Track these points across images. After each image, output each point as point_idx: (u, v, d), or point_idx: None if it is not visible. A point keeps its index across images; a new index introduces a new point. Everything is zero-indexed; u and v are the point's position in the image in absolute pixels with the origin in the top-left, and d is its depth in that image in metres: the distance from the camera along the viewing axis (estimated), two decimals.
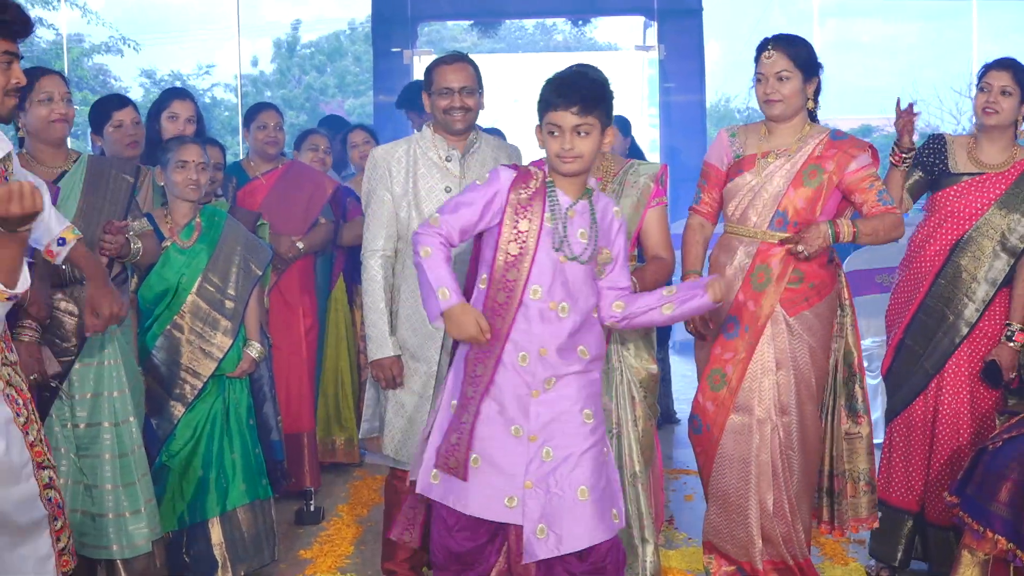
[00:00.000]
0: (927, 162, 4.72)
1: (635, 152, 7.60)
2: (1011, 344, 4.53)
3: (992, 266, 4.56)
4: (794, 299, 4.20)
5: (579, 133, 3.48)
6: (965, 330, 4.60)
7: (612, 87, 3.71)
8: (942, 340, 4.64)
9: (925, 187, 4.75)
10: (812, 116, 4.31)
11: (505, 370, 3.52)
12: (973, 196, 4.60)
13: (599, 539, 3.45)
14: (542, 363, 3.51)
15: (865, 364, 7.11)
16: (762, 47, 4.21)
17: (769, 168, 4.21)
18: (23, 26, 3.15)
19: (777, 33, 4.24)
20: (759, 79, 4.21)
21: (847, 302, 4.36)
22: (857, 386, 4.37)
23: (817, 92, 4.26)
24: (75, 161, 4.25)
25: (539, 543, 3.46)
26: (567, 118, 3.48)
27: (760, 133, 4.30)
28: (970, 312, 4.58)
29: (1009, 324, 4.53)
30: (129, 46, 22.01)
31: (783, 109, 4.20)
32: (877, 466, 4.69)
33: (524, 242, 3.51)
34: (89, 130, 5.11)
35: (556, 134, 3.50)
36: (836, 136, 4.25)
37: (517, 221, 3.53)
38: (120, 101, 5.01)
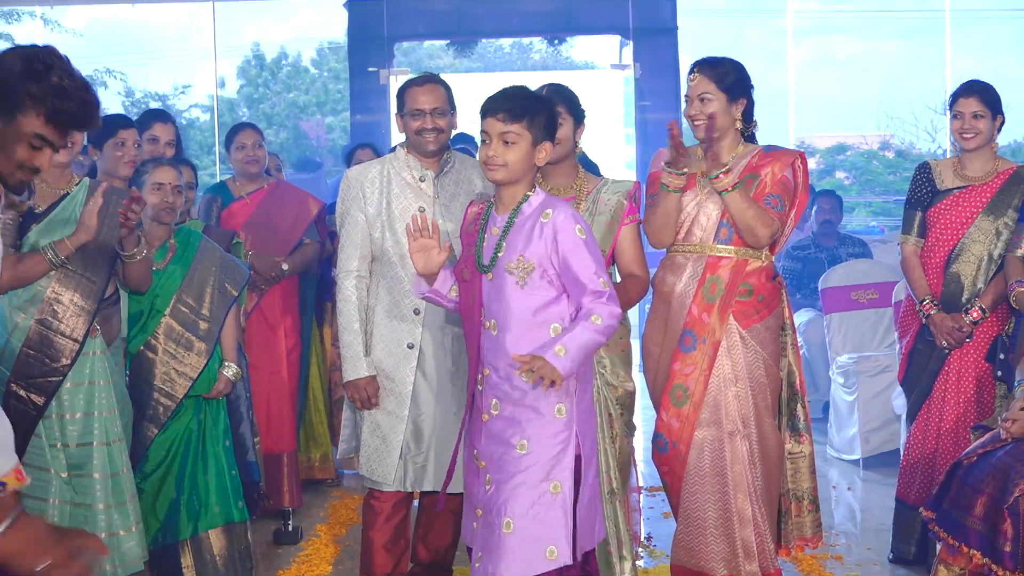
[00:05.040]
0: (920, 195, 5.03)
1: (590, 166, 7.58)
2: (964, 316, 4.86)
3: (988, 270, 4.87)
4: (746, 311, 4.25)
5: (505, 142, 3.53)
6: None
7: (557, 105, 3.88)
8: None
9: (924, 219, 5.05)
10: (751, 138, 4.35)
11: (476, 395, 3.64)
12: (962, 207, 4.91)
13: (523, 574, 3.42)
14: (488, 383, 3.58)
15: (841, 380, 7.25)
16: (690, 70, 4.29)
17: (710, 185, 4.23)
18: (80, 123, 2.77)
19: (704, 56, 4.31)
20: (686, 101, 4.29)
21: (788, 322, 4.40)
22: (799, 405, 4.41)
23: (748, 113, 4.30)
24: (76, 184, 4.30)
25: (476, 571, 3.52)
26: (494, 125, 3.55)
27: (698, 155, 4.31)
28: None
29: (974, 300, 4.85)
30: (115, 78, 21.99)
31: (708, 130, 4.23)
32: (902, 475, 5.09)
33: (471, 266, 3.63)
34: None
35: (486, 141, 3.57)
36: (769, 149, 4.34)
37: (467, 247, 3.69)
38: (127, 121, 5.03)
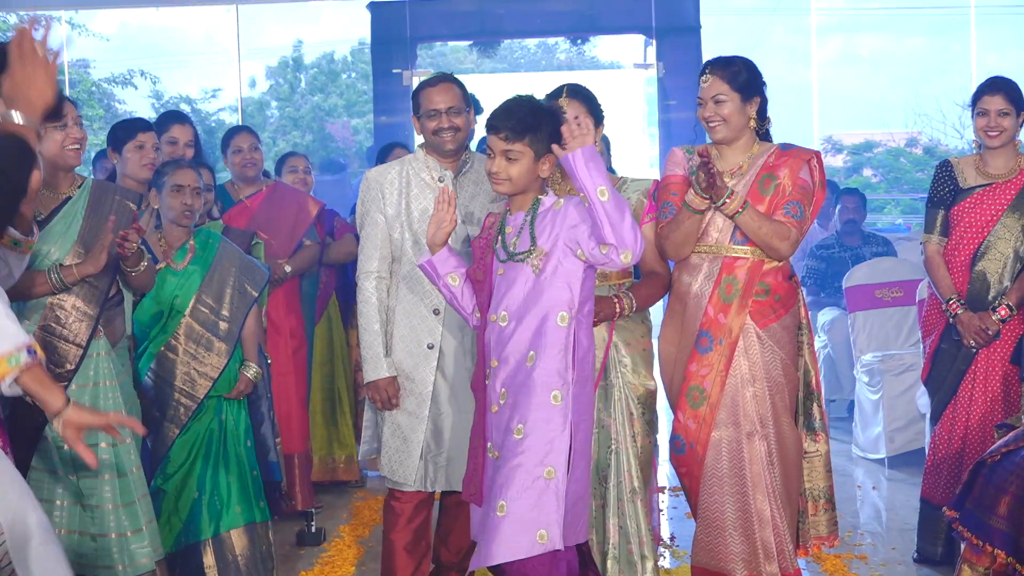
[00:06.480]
0: (942, 193, 5.02)
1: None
2: (992, 315, 4.83)
3: (1014, 267, 4.87)
4: (763, 311, 4.21)
5: (508, 158, 3.64)
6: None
7: (578, 105, 3.99)
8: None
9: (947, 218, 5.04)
10: (766, 136, 4.32)
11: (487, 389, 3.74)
12: (986, 205, 4.90)
13: (513, 556, 3.48)
14: (495, 375, 3.68)
15: (866, 379, 7.22)
16: (701, 71, 4.26)
17: (720, 212, 4.19)
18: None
19: (717, 56, 4.29)
20: (699, 103, 4.25)
21: (804, 321, 4.37)
22: (815, 405, 4.39)
23: (762, 112, 4.26)
24: (79, 186, 4.31)
25: (475, 555, 3.60)
26: (496, 142, 3.65)
27: (712, 154, 4.29)
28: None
29: (1001, 298, 4.85)
30: (146, 78, 22.06)
31: (725, 131, 4.21)
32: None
33: (487, 263, 3.76)
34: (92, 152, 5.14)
35: (490, 155, 3.68)
36: (785, 147, 4.29)
37: (479, 251, 3.81)
38: (146, 124, 5.06)
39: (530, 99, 3.75)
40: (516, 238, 3.69)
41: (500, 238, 3.74)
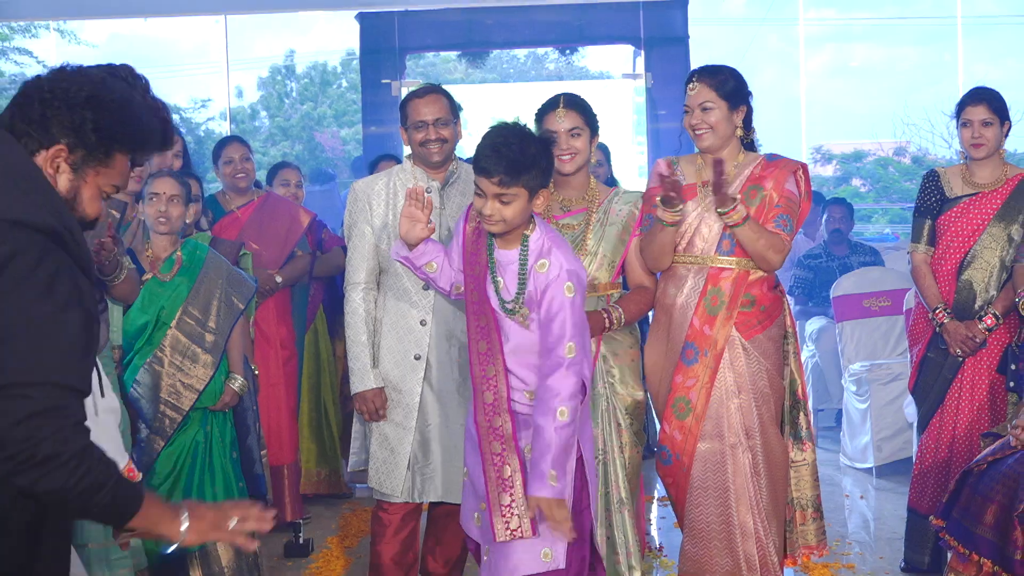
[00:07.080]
0: (929, 203, 5.04)
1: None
2: (979, 324, 4.85)
3: (1000, 276, 4.89)
4: (748, 322, 4.22)
5: (502, 201, 3.47)
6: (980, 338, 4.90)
7: (577, 116, 4.00)
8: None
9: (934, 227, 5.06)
10: (751, 146, 4.32)
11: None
12: (972, 214, 4.92)
13: (522, 572, 3.48)
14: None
15: (853, 388, 7.22)
16: (688, 79, 4.26)
17: (711, 196, 4.20)
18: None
19: (704, 65, 4.30)
20: (686, 111, 4.25)
21: (790, 330, 4.37)
22: (801, 413, 4.39)
23: (748, 121, 4.27)
24: None
25: (483, 563, 3.62)
26: (489, 186, 3.46)
27: (697, 163, 4.31)
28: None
29: (987, 307, 4.86)
30: None
31: (712, 139, 4.21)
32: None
33: (479, 289, 3.62)
34: None
35: (480, 195, 3.50)
36: (772, 158, 4.30)
37: (471, 269, 3.66)
38: None
39: (520, 133, 3.54)
40: (503, 281, 3.59)
41: (490, 269, 3.62)
